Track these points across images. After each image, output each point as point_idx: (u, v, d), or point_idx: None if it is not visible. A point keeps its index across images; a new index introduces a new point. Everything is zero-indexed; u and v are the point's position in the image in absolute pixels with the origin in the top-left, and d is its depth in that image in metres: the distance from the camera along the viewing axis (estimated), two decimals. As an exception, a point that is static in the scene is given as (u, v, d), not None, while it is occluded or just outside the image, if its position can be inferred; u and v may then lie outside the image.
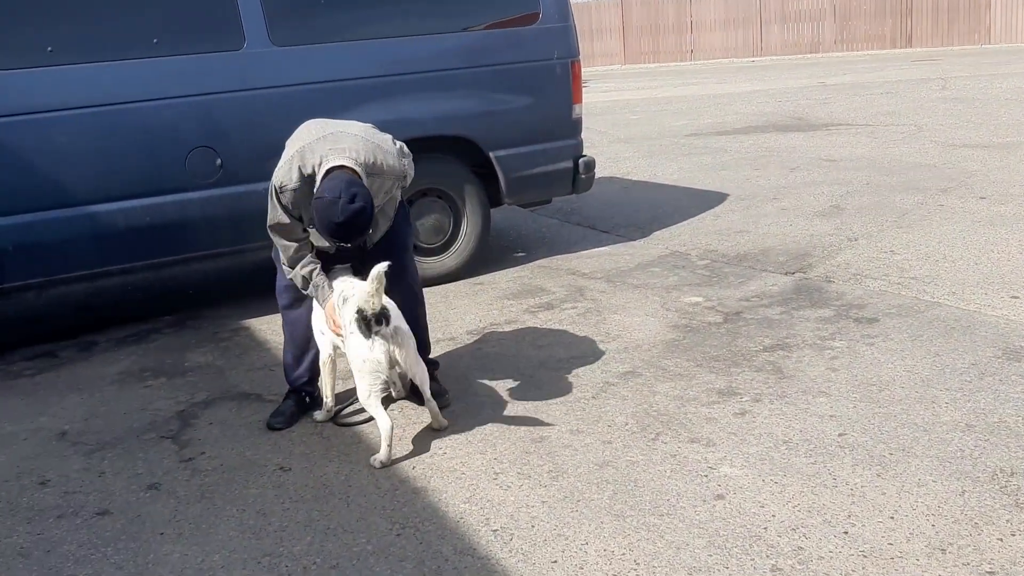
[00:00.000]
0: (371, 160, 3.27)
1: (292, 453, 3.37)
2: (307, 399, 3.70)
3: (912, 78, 16.09)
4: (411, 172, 3.55)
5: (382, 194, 3.38)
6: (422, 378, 3.38)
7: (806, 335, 4.13)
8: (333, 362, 3.56)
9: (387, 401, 3.60)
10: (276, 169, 3.32)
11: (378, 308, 3.13)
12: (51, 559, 2.76)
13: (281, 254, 3.42)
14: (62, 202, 4.41)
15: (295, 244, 3.37)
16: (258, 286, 3.85)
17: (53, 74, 4.32)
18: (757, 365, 3.83)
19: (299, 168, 3.22)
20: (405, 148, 3.53)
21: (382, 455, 3.20)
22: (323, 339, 3.52)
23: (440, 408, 3.58)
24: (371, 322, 3.14)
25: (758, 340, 4.12)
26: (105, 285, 4.88)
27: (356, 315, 3.15)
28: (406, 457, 3.25)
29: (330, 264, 3.49)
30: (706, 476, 2.95)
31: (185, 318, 5.15)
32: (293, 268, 3.40)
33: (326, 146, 3.23)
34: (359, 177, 3.18)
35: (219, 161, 4.68)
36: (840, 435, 3.16)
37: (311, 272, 3.39)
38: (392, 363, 3.23)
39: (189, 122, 4.62)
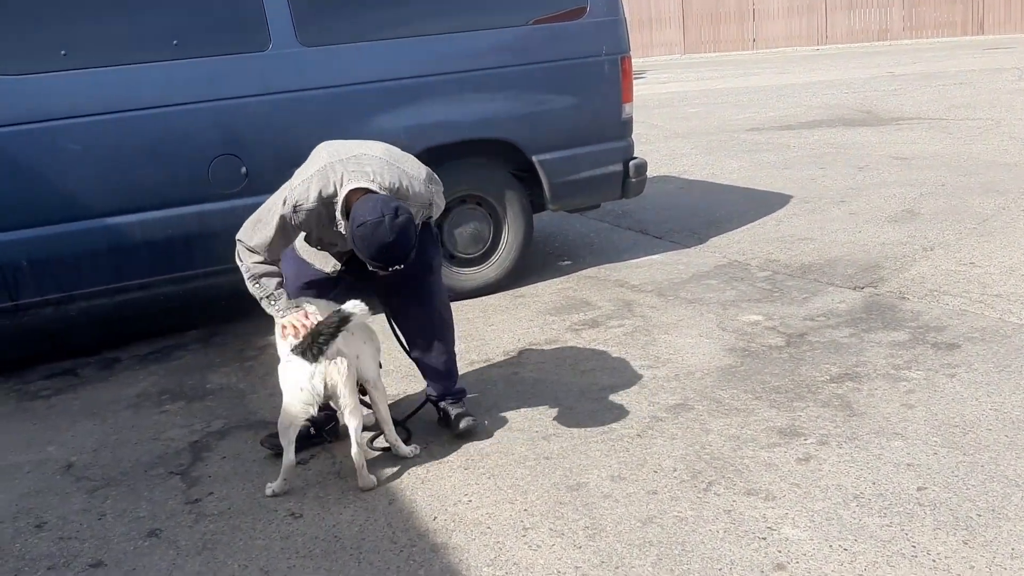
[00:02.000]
0: (396, 185, 2.98)
1: (306, 496, 3.08)
2: (311, 430, 3.41)
3: (986, 67, 15.26)
4: (439, 201, 3.26)
5: None
6: (355, 417, 3.07)
7: (878, 363, 3.71)
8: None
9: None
10: (288, 188, 3.04)
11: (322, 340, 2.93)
12: (32, 622, 2.51)
13: (245, 259, 3.13)
14: (77, 215, 4.18)
15: (263, 257, 3.09)
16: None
17: (66, 79, 4.08)
18: (823, 399, 3.43)
19: (319, 188, 2.95)
20: (435, 175, 3.23)
21: (275, 485, 3.10)
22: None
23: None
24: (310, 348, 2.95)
25: (824, 368, 3.71)
26: (133, 296, 4.65)
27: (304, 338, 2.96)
28: (428, 503, 2.94)
29: (336, 289, 3.27)
30: (764, 539, 2.58)
31: (211, 333, 4.92)
32: (255, 277, 3.11)
33: (349, 167, 2.96)
34: None
35: (244, 169, 4.42)
36: (919, 489, 2.76)
37: (277, 284, 3.11)
38: (317, 393, 3.01)
39: (212, 129, 4.35)
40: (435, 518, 2.85)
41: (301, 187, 3.00)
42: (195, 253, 4.43)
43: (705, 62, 25.19)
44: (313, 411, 3.05)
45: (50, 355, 4.75)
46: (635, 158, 5.40)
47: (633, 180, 5.37)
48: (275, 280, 3.10)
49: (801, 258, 5.29)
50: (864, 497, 2.75)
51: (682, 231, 6.22)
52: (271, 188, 4.46)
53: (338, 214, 2.97)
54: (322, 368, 2.96)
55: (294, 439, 3.07)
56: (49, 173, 4.10)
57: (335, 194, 2.96)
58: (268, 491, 3.09)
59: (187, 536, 2.89)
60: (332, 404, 3.11)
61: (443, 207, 3.32)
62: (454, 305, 3.61)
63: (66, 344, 4.91)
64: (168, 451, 3.52)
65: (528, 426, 3.44)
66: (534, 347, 4.26)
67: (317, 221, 3.02)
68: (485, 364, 4.11)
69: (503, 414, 3.56)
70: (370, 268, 2.96)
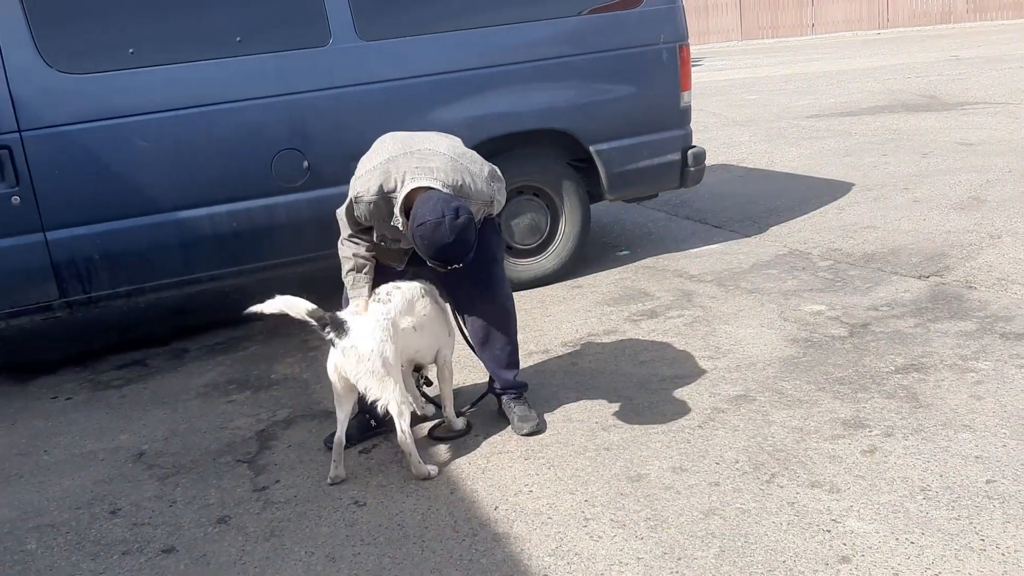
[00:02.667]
0: (459, 183, 2.99)
1: (368, 485, 3.13)
2: (372, 421, 3.46)
3: (1058, 47, 14.79)
4: (501, 199, 3.26)
5: None
6: (395, 412, 3.12)
7: (945, 353, 3.64)
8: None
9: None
10: (353, 179, 3.09)
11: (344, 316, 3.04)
12: (110, 604, 2.60)
13: (342, 251, 3.25)
14: (146, 209, 4.29)
15: (355, 250, 3.22)
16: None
17: (135, 77, 4.18)
18: (888, 390, 3.38)
19: (380, 183, 2.99)
20: (497, 172, 3.24)
21: (330, 471, 3.18)
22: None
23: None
24: (327, 325, 3.02)
25: (889, 359, 3.65)
26: (201, 288, 4.76)
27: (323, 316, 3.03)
28: (489, 493, 2.96)
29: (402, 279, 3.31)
30: (829, 531, 2.55)
31: (277, 324, 4.98)
32: (345, 272, 3.24)
33: (412, 163, 2.98)
34: None
35: (306, 163, 4.49)
36: (988, 482, 2.71)
37: (362, 266, 3.21)
38: (342, 378, 3.09)
39: (274, 124, 4.43)
40: (496, 508, 2.88)
41: (363, 179, 3.04)
42: (261, 246, 4.52)
43: (763, 48, 24.82)
44: (340, 391, 3.14)
45: (122, 346, 4.89)
46: (694, 146, 5.35)
47: (692, 169, 5.33)
48: (351, 262, 3.22)
49: (864, 247, 5.20)
50: (931, 490, 2.71)
51: (741, 220, 6.15)
52: (332, 182, 4.58)
53: (396, 210, 2.99)
54: (336, 356, 3.06)
55: (342, 419, 3.16)
56: (119, 169, 4.21)
57: (395, 189, 2.98)
58: (328, 480, 3.16)
59: (255, 523, 2.96)
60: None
61: (504, 203, 3.33)
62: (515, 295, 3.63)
63: (137, 335, 5.05)
64: (235, 440, 3.60)
65: (587, 417, 3.45)
66: (592, 338, 4.26)
67: (376, 214, 3.05)
68: (543, 355, 4.12)
69: (562, 405, 3.57)
70: (429, 264, 2.99)
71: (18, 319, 4.40)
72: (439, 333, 3.34)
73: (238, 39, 4.33)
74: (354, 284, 3.20)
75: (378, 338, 3.03)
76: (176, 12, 4.26)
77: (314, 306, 3.04)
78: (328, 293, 5.03)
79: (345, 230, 3.21)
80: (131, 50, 4.16)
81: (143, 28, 4.21)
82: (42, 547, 2.94)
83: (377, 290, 3.19)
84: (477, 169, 3.11)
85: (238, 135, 4.38)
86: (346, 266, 3.22)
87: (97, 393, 4.27)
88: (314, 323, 3.03)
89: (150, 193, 4.28)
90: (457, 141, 3.23)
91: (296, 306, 3.04)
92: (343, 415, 3.17)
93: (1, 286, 4.15)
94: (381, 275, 3.30)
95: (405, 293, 3.20)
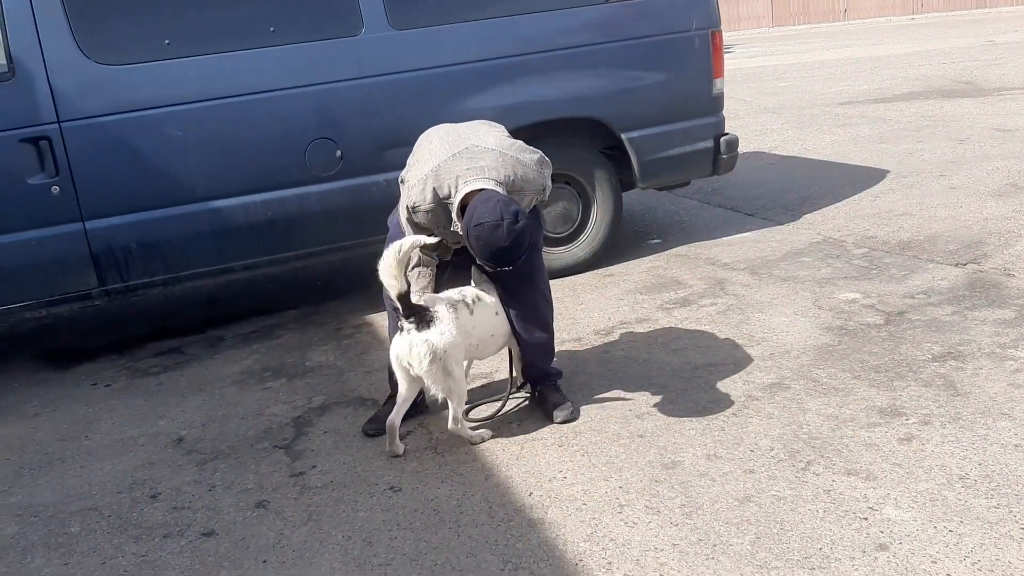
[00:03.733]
0: (511, 177, 3.01)
1: (404, 470, 3.15)
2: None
3: (1099, 31, 14.51)
4: (550, 185, 3.26)
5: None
6: (451, 405, 3.19)
7: (983, 342, 3.60)
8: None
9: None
10: (405, 191, 3.11)
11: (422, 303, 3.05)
12: (152, 586, 2.64)
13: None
14: (182, 199, 4.34)
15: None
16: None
17: (171, 68, 4.23)
18: (925, 378, 3.35)
19: (434, 189, 3.01)
20: (546, 158, 3.24)
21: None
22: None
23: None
24: (402, 313, 3.02)
25: (926, 347, 3.62)
26: (235, 277, 4.83)
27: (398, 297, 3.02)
28: (523, 479, 2.98)
29: (445, 271, 3.34)
30: (866, 519, 2.54)
31: (311, 312, 5.06)
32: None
33: (462, 165, 2.99)
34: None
35: (339, 153, 4.51)
36: (1030, 471, 2.68)
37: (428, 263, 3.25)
38: (406, 368, 3.12)
39: (307, 113, 4.46)
40: (531, 494, 2.89)
41: (416, 188, 3.05)
42: (294, 235, 4.55)
43: (794, 34, 24.55)
44: (406, 379, 3.16)
45: (158, 334, 4.95)
46: (726, 134, 5.32)
47: (724, 156, 5.30)
48: (417, 271, 3.25)
49: (899, 234, 5.14)
50: (970, 478, 2.68)
51: (774, 208, 6.11)
52: (365, 171, 4.61)
53: (454, 214, 3.01)
54: (402, 345, 3.06)
55: (401, 402, 3.22)
56: (156, 159, 4.26)
57: (450, 195, 3.00)
58: (388, 454, 3.22)
59: (293, 507, 2.99)
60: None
61: (551, 188, 3.31)
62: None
63: (173, 323, 5.12)
64: (272, 426, 3.65)
65: (621, 404, 3.45)
66: (625, 326, 4.26)
67: (435, 221, 3.08)
68: (576, 343, 4.13)
69: (596, 393, 3.57)
70: (479, 263, 3.01)
71: (58, 307, 4.48)
72: (500, 330, 3.37)
73: (272, 29, 4.36)
74: (418, 277, 3.23)
75: (452, 335, 3.05)
76: (211, 3, 4.30)
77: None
78: (358, 283, 5.07)
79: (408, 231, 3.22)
80: (167, 41, 4.21)
81: (179, 20, 4.25)
82: (85, 530, 3.00)
83: (449, 291, 3.24)
84: (527, 158, 3.11)
85: (272, 125, 4.41)
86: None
87: (135, 380, 4.33)
88: (401, 307, 3.03)
89: (186, 183, 4.33)
90: (501, 129, 3.23)
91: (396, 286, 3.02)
92: (407, 396, 3.22)
93: (42, 275, 4.22)
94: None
95: (470, 293, 3.25)
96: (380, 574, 2.56)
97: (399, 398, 3.24)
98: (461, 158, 3.01)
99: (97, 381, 4.37)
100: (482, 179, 2.95)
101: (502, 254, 2.87)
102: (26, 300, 4.28)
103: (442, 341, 3.04)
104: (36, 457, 3.61)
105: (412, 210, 3.07)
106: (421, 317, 3.04)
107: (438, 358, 3.05)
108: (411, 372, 3.12)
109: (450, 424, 3.21)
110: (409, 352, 3.06)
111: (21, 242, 4.16)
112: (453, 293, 3.24)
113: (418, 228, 3.13)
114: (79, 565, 2.80)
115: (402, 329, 3.07)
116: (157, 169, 4.27)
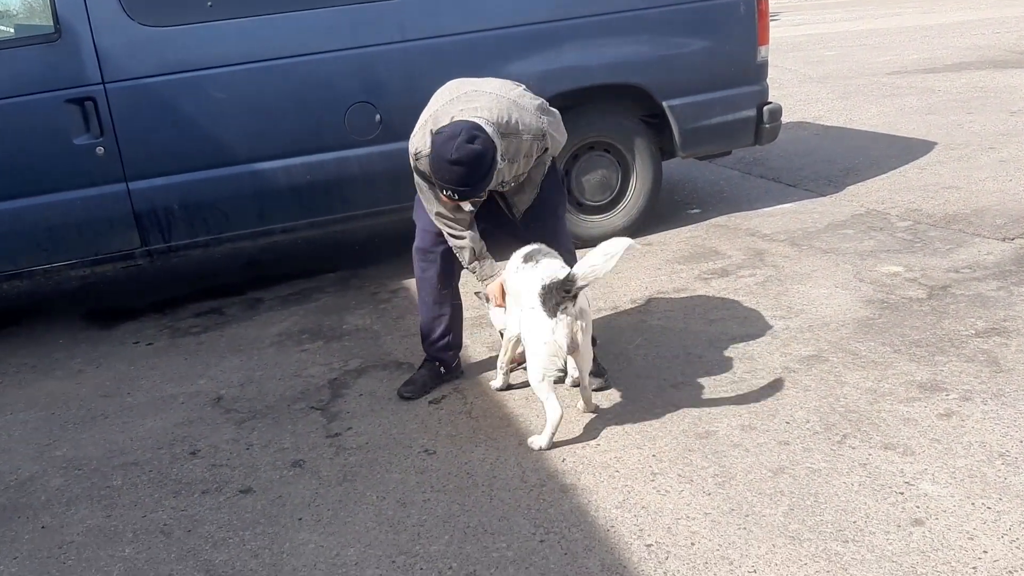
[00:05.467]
0: (504, 118, 2.97)
1: (439, 434, 3.18)
2: (442, 369, 3.52)
3: None
4: (556, 134, 3.18)
5: (522, 159, 3.08)
6: (587, 362, 3.07)
7: (1029, 318, 3.54)
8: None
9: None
10: (412, 135, 3.11)
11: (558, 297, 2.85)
12: (191, 540, 2.70)
13: (442, 229, 3.23)
14: (224, 161, 4.37)
15: (453, 221, 3.18)
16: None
17: (214, 30, 4.25)
18: (968, 354, 3.30)
19: (431, 132, 3.00)
20: (548, 105, 3.20)
21: (543, 440, 2.97)
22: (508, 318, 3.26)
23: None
24: (559, 299, 2.84)
25: (969, 322, 3.56)
26: (275, 239, 4.87)
27: (542, 289, 2.86)
28: (556, 446, 2.99)
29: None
30: (902, 494, 2.52)
31: (349, 276, 5.09)
32: (454, 249, 3.25)
33: (458, 107, 2.98)
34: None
35: (378, 117, 4.51)
36: (1072, 450, 2.64)
37: (470, 256, 3.21)
38: (573, 347, 2.93)
39: (347, 77, 4.46)
40: (564, 460, 2.90)
41: (418, 135, 3.08)
42: (334, 198, 4.58)
43: (842, 2, 24.00)
44: (560, 363, 2.97)
45: (199, 295, 5.02)
46: (770, 103, 5.23)
47: (767, 126, 5.21)
48: (467, 252, 3.22)
49: (946, 207, 5.04)
50: (1010, 456, 2.64)
51: (817, 179, 6.01)
52: (404, 135, 4.55)
53: None
54: (564, 323, 2.86)
55: (553, 391, 2.98)
56: (198, 121, 4.29)
57: None
58: (533, 445, 2.99)
59: (328, 467, 3.03)
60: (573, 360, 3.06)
61: (564, 141, 3.26)
62: (580, 253, 3.61)
63: (213, 284, 5.18)
64: (309, 387, 3.69)
65: (656, 374, 3.44)
66: (662, 295, 4.24)
67: None
68: (612, 312, 4.11)
69: (631, 361, 3.57)
70: (443, 196, 2.98)
71: (102, 267, 4.56)
72: None
73: (314, -9, 4.36)
74: (484, 269, 3.24)
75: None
76: (254, -34, 4.30)
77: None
78: (396, 248, 5.09)
79: (430, 205, 3.19)
80: (209, 3, 4.22)
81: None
82: (127, 484, 3.07)
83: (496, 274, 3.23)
84: (526, 102, 3.09)
85: (313, 88, 4.42)
86: (464, 257, 3.24)
87: (176, 339, 4.40)
88: (564, 294, 2.85)
89: (227, 145, 4.36)
90: (511, 83, 3.19)
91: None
92: (548, 387, 2.96)
93: (87, 234, 4.30)
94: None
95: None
96: (413, 535, 2.59)
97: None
98: (458, 101, 3.01)
99: (139, 340, 4.45)
100: (474, 116, 2.92)
101: (448, 168, 2.80)
102: (71, 259, 4.36)
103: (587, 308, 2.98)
104: (80, 412, 3.70)
105: (416, 157, 3.06)
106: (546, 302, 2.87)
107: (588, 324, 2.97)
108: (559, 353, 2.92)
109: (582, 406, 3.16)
110: (552, 332, 2.88)
111: (66, 202, 4.23)
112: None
113: (422, 176, 3.12)
114: (121, 517, 2.86)
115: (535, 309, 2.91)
116: (199, 131, 4.31)
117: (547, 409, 2.97)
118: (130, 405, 3.71)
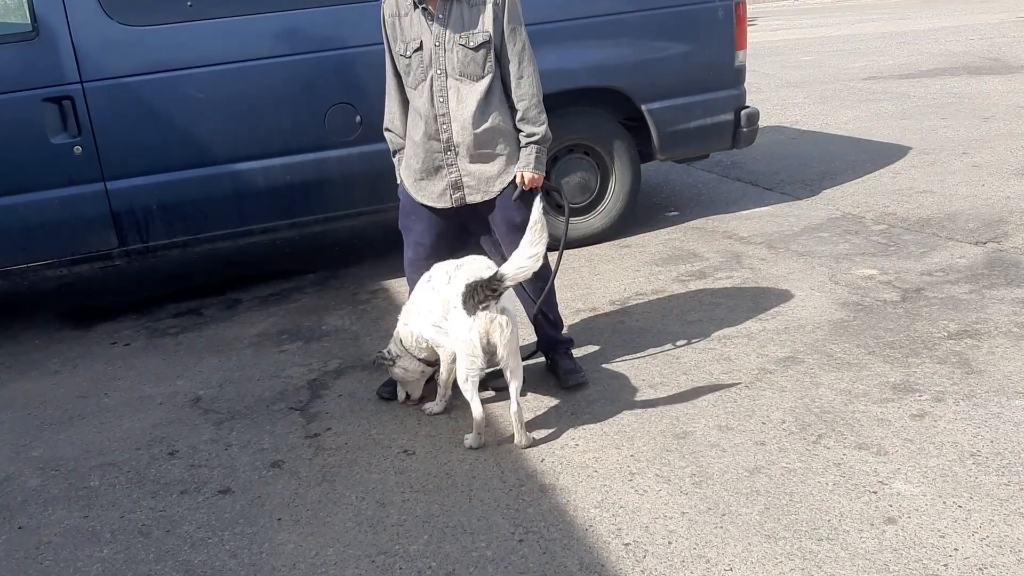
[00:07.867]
0: None
1: (418, 435, 3.19)
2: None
3: None
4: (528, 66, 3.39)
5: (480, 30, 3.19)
6: (515, 375, 3.00)
7: (1000, 321, 3.59)
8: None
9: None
10: None
11: (494, 284, 2.88)
12: (169, 540, 2.69)
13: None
14: (203, 161, 4.37)
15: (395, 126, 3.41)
16: (399, 245, 3.69)
17: (193, 30, 4.24)
18: (940, 356, 3.35)
19: None
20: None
21: (470, 440, 3.04)
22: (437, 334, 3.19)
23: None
24: (482, 298, 2.87)
25: (942, 324, 3.61)
26: (254, 240, 4.86)
27: (466, 288, 2.90)
28: (535, 446, 3.01)
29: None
30: (875, 493, 2.56)
31: (328, 276, 5.09)
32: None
33: None
34: None
35: (359, 118, 4.52)
36: (1041, 449, 2.69)
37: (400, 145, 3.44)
38: (491, 348, 2.94)
39: (328, 78, 4.47)
40: (543, 460, 2.92)
41: None
42: (313, 199, 4.58)
43: (819, 8, 24.22)
44: (480, 364, 2.94)
45: (177, 295, 5.00)
46: (747, 107, 5.29)
47: (744, 130, 5.27)
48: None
49: (919, 211, 5.11)
50: (981, 455, 2.69)
51: (793, 182, 6.08)
52: (384, 137, 4.59)
53: None
54: (481, 321, 2.89)
55: (475, 393, 2.98)
56: (177, 121, 4.29)
57: None
58: (466, 443, 3.03)
59: (307, 468, 3.04)
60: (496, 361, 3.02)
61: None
62: (567, 254, 3.64)
63: (192, 285, 5.17)
64: (288, 388, 3.69)
65: (634, 375, 3.47)
66: (640, 297, 4.27)
67: (396, 10, 3.20)
68: (591, 313, 4.14)
69: (609, 362, 3.59)
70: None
71: (80, 267, 4.54)
72: None
73: (293, -8, 4.36)
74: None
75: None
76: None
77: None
78: (375, 249, 5.11)
79: (391, 100, 3.41)
80: (189, 3, 4.21)
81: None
82: (105, 484, 3.06)
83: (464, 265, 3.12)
84: None
85: (293, 89, 4.43)
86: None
87: (154, 340, 4.38)
88: (497, 289, 2.89)
89: (206, 145, 4.36)
90: None
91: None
92: (472, 388, 2.98)
93: (64, 234, 4.28)
94: (446, 251, 3.33)
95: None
96: (392, 535, 2.60)
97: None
98: None
99: (117, 340, 4.43)
100: None
101: None
102: (48, 258, 4.34)
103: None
104: (57, 413, 3.68)
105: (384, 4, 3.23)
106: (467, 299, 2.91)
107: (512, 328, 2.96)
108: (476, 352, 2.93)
109: (513, 408, 3.00)
110: (468, 331, 2.91)
111: (43, 201, 4.21)
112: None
113: (390, 32, 3.25)
114: (99, 518, 2.85)
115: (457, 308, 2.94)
116: (178, 131, 4.30)
117: (472, 409, 3.00)
118: (108, 406, 3.69)
